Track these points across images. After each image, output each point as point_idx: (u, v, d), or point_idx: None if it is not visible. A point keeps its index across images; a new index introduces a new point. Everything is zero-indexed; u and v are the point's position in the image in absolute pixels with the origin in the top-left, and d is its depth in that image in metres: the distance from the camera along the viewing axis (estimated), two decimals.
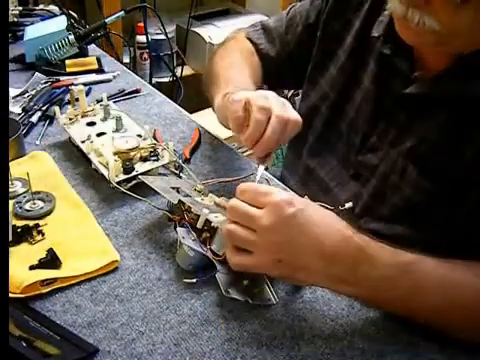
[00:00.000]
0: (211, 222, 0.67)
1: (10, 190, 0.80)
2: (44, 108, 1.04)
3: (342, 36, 0.85)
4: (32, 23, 1.34)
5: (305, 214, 0.59)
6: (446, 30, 0.62)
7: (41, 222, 0.75)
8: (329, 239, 0.59)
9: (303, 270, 0.60)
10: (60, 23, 1.25)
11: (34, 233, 0.73)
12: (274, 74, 0.96)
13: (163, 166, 0.86)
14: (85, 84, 1.09)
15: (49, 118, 1.02)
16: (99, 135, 0.90)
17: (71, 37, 1.20)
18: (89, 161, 0.87)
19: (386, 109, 0.78)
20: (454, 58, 0.68)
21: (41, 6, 1.50)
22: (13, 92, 1.09)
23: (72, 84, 1.09)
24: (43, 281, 0.66)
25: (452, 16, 0.60)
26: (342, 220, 0.62)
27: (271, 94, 0.71)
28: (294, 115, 0.70)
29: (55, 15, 1.41)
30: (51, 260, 0.68)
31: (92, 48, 1.31)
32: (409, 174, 0.73)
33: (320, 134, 0.89)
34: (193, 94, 2.06)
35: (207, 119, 1.06)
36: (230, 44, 1.00)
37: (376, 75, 0.79)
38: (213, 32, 2.19)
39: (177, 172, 0.87)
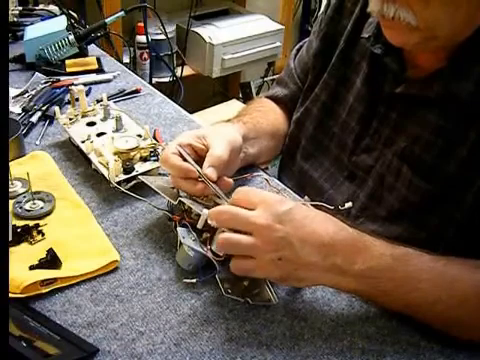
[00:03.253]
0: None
1: (10, 190, 0.80)
2: (44, 108, 1.04)
3: (336, 41, 0.86)
4: (32, 23, 1.34)
5: (299, 210, 0.61)
6: (423, 24, 0.62)
7: (41, 222, 0.75)
8: (326, 230, 0.60)
9: (304, 266, 0.60)
10: (60, 23, 1.25)
11: (34, 233, 0.74)
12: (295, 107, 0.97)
13: None
14: (85, 84, 1.09)
15: (49, 118, 1.02)
16: (99, 135, 0.90)
17: (71, 37, 1.20)
18: (89, 161, 0.87)
19: (378, 109, 0.78)
20: (444, 58, 0.68)
21: (41, 6, 1.50)
22: (13, 92, 1.09)
23: (72, 84, 1.09)
24: (43, 281, 0.66)
25: (424, 7, 0.61)
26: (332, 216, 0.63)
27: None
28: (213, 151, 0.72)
29: (55, 15, 1.40)
30: (51, 260, 0.68)
31: (92, 48, 1.31)
32: (404, 174, 0.73)
33: (312, 136, 0.89)
34: (193, 94, 2.07)
35: (207, 119, 1.06)
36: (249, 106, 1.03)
37: (367, 76, 0.80)
38: (213, 32, 2.19)
39: None
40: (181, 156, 0.72)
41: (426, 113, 0.71)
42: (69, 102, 1.02)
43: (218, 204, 0.71)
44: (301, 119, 0.91)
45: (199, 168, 0.70)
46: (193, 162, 0.71)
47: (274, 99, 1.01)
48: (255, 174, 0.86)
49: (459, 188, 0.68)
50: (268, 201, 0.61)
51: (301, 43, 1.01)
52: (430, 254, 0.62)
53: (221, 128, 0.81)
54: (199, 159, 0.73)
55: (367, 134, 0.80)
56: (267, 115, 0.95)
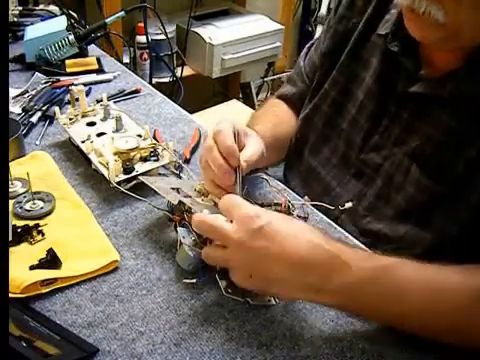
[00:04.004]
0: None
1: (10, 190, 0.80)
2: (44, 108, 1.04)
3: (347, 39, 0.86)
4: (32, 23, 1.34)
5: (272, 227, 0.59)
6: (451, 22, 0.62)
7: (41, 222, 0.75)
8: (299, 249, 0.58)
9: (275, 283, 0.59)
10: (60, 23, 1.25)
11: (34, 233, 0.73)
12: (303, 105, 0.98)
13: (163, 166, 0.86)
14: (85, 84, 1.10)
15: (49, 118, 1.02)
16: (99, 135, 0.90)
17: (71, 37, 1.20)
18: (89, 161, 0.87)
19: (389, 108, 0.78)
20: (461, 59, 0.68)
21: (41, 6, 1.50)
22: (13, 92, 1.09)
23: (72, 84, 1.09)
24: (43, 281, 0.66)
25: (457, 5, 0.61)
26: (314, 229, 0.61)
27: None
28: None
29: (55, 15, 1.40)
30: (51, 260, 0.68)
31: (92, 48, 1.31)
32: (413, 174, 0.73)
33: (321, 132, 0.90)
34: (193, 94, 2.07)
35: (207, 119, 1.06)
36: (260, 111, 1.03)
37: (380, 73, 0.80)
38: (213, 32, 2.19)
39: (177, 172, 0.87)
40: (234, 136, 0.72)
41: (439, 113, 0.71)
42: (69, 102, 1.02)
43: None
44: (310, 115, 0.92)
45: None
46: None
47: (283, 98, 1.01)
48: (256, 174, 0.86)
49: (467, 188, 0.68)
50: (243, 216, 0.60)
51: (312, 41, 1.02)
52: (417, 262, 0.60)
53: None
54: None
55: (376, 132, 0.80)
56: (282, 121, 0.96)
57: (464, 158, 0.68)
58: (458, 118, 0.69)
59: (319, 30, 2.77)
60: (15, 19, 1.37)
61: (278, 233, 0.59)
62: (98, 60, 1.25)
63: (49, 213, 0.77)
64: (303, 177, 0.93)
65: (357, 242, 0.75)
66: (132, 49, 2.05)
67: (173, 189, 0.76)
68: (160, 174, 0.86)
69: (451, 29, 0.63)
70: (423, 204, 0.72)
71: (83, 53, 1.26)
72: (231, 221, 0.61)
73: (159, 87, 1.43)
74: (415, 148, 0.73)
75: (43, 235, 0.74)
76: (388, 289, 0.59)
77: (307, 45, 1.03)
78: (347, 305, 0.60)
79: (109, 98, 1.04)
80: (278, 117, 0.97)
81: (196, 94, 2.21)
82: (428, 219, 0.72)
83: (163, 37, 1.97)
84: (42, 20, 1.37)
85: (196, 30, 2.19)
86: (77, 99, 0.95)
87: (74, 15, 1.43)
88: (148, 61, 2.04)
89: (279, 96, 1.03)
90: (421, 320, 0.59)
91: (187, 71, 2.26)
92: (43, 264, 0.68)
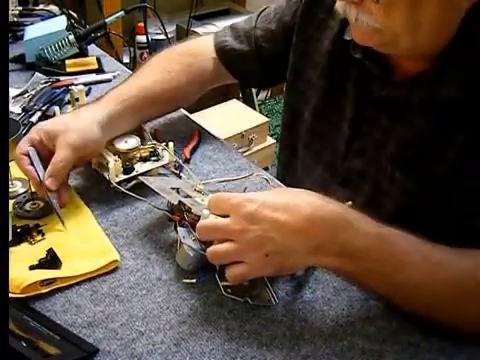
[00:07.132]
0: None
1: (10, 190, 0.80)
2: (44, 108, 1.03)
3: (318, 38, 0.83)
4: (32, 23, 1.33)
5: (268, 203, 0.60)
6: (385, 27, 0.62)
7: (41, 222, 0.75)
8: (302, 213, 0.60)
9: (291, 254, 0.60)
10: (60, 23, 1.25)
11: (34, 233, 0.74)
12: (241, 70, 0.95)
13: (163, 166, 0.86)
14: (85, 84, 1.09)
15: (49, 118, 1.02)
16: None
17: (71, 37, 1.20)
18: (89, 161, 0.87)
19: (368, 112, 0.77)
20: (428, 62, 0.68)
21: (41, 6, 1.50)
22: (13, 92, 1.09)
23: (72, 84, 1.09)
24: (43, 281, 0.66)
25: (384, 14, 0.61)
26: (312, 192, 0.63)
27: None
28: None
29: (55, 15, 1.40)
30: (51, 260, 0.68)
31: (92, 48, 1.31)
32: (396, 178, 0.73)
33: (305, 142, 0.88)
34: None
35: (207, 119, 1.06)
36: (170, 51, 1.02)
37: (356, 78, 0.78)
38: (213, 32, 2.19)
39: (177, 172, 0.87)
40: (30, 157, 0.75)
41: (413, 117, 0.71)
42: (69, 102, 1.02)
43: None
44: (292, 122, 0.90)
45: (42, 173, 0.75)
46: (39, 166, 0.75)
47: (221, 49, 0.95)
48: (255, 174, 0.86)
49: (452, 189, 0.68)
50: (235, 205, 0.61)
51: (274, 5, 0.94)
52: (418, 237, 0.62)
53: (78, 120, 0.79)
54: (50, 156, 0.76)
55: (358, 137, 0.79)
56: (171, 78, 0.92)
57: (444, 160, 0.68)
58: (431, 121, 0.69)
59: None
60: (15, 19, 1.37)
61: (277, 205, 0.60)
62: (98, 60, 1.25)
63: (49, 213, 0.77)
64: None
65: None
66: (132, 49, 2.06)
67: (173, 189, 0.76)
68: (160, 174, 0.86)
69: (388, 34, 0.63)
70: (411, 208, 0.73)
71: (83, 53, 1.26)
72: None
73: None
74: (394, 152, 0.73)
75: (43, 235, 0.74)
76: (390, 256, 0.60)
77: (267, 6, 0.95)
78: (349, 269, 0.61)
79: None
80: (169, 73, 0.92)
81: None
82: (419, 222, 0.71)
83: (163, 37, 1.97)
84: (42, 20, 1.37)
85: (196, 30, 2.19)
86: (77, 99, 0.95)
87: (74, 15, 1.43)
88: None
89: (218, 44, 0.96)
90: (418, 292, 0.61)
91: None
92: (43, 264, 0.68)
